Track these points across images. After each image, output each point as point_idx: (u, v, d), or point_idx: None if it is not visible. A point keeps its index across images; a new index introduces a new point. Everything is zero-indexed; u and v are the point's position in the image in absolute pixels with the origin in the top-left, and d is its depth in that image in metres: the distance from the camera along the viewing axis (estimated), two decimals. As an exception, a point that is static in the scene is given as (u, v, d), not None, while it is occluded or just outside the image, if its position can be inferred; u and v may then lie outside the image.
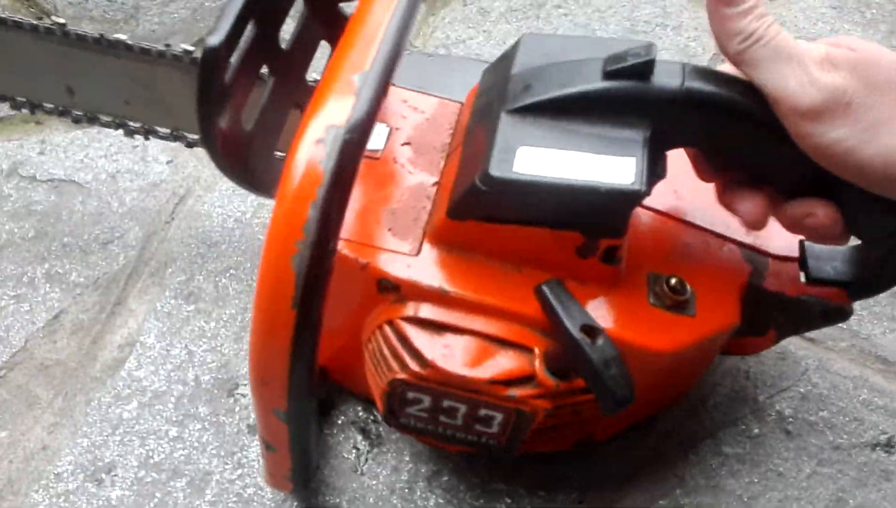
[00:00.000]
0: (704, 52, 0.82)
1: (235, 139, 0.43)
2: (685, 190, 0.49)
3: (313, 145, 0.33)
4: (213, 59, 0.39)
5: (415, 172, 0.48)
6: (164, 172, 0.69)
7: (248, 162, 0.45)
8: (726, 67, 0.41)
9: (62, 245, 0.63)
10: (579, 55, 0.42)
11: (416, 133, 0.50)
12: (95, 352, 0.58)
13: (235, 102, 0.43)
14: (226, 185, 0.68)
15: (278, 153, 0.50)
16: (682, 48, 0.82)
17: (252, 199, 0.67)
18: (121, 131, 0.59)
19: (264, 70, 0.47)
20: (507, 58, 0.45)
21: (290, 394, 0.37)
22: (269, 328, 0.35)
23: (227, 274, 0.62)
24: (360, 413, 0.56)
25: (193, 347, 0.58)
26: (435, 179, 0.47)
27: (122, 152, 0.70)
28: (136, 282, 0.62)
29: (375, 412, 0.56)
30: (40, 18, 0.72)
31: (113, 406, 0.55)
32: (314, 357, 0.37)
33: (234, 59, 0.42)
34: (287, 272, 0.33)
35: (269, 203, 0.49)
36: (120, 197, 0.67)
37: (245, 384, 0.57)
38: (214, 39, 0.39)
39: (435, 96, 0.52)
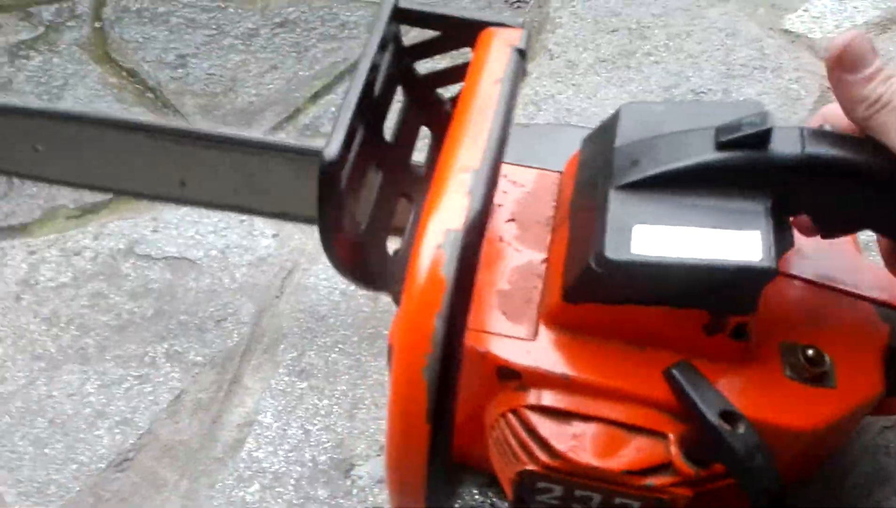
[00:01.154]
0: (807, 94, 0.78)
1: (354, 243, 0.43)
2: (806, 247, 0.47)
3: (434, 251, 0.33)
4: (330, 173, 0.39)
5: (522, 249, 0.47)
6: (271, 245, 0.70)
7: (366, 262, 0.45)
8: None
9: (179, 323, 0.65)
10: (685, 125, 0.41)
11: (519, 208, 0.49)
12: (216, 432, 0.59)
13: (351, 206, 0.42)
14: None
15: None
16: (784, 91, 0.78)
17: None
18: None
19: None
20: (607, 129, 0.44)
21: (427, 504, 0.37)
22: (406, 444, 0.34)
23: (336, 349, 0.63)
24: (476, 497, 0.54)
25: (309, 426, 0.59)
26: (543, 255, 0.46)
27: (230, 228, 0.71)
28: (250, 359, 0.63)
29: (492, 496, 0.54)
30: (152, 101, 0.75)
31: (236, 489, 0.56)
32: (450, 466, 0.36)
33: (348, 164, 0.41)
34: (419, 387, 0.32)
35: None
36: (231, 273, 0.68)
37: (360, 465, 0.57)
38: (331, 153, 0.38)
39: (533, 168, 0.51)
